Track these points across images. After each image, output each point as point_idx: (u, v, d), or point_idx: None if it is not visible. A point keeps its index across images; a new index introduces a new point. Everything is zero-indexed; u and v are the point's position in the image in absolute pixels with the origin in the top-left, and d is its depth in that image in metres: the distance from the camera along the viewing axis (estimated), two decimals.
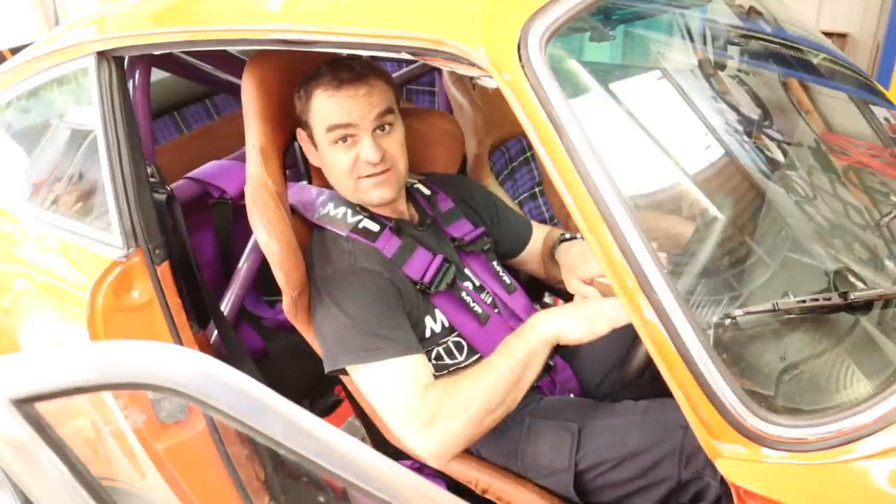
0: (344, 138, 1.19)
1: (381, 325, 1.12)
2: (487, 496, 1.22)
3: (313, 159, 1.28)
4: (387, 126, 1.20)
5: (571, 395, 1.36)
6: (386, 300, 1.15)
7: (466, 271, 1.32)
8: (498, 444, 1.24)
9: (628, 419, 1.15)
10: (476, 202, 1.44)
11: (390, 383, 1.10)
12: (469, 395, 1.06)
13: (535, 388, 1.31)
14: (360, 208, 1.26)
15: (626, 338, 1.35)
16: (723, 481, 1.00)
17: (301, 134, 1.27)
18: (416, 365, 1.12)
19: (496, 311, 1.31)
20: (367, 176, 1.21)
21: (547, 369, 1.35)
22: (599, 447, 1.13)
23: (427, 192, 1.38)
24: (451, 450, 1.08)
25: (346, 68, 1.18)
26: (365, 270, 1.17)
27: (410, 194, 1.36)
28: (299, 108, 1.23)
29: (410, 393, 1.08)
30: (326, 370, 1.16)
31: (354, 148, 1.19)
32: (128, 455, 1.39)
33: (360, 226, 1.23)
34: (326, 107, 1.18)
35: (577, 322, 1.08)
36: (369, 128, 1.18)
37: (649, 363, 0.98)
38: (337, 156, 1.20)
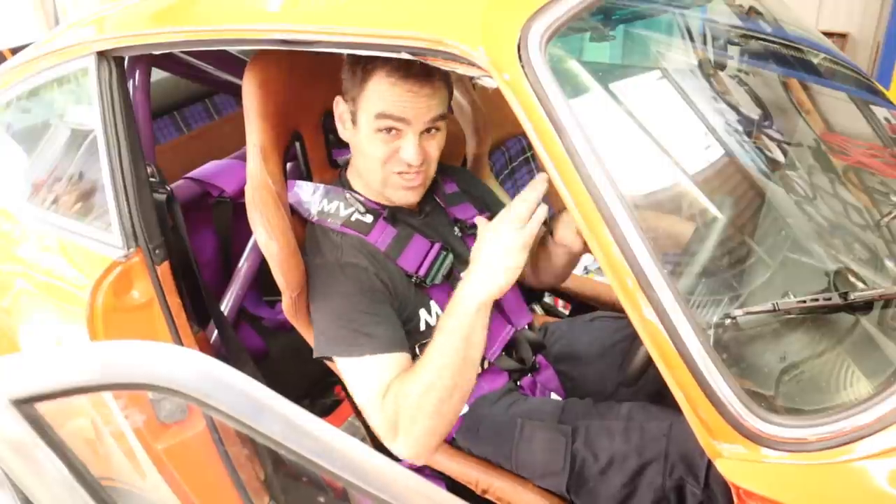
0: (389, 129, 1.13)
1: (363, 322, 1.11)
2: (487, 496, 1.22)
3: (345, 134, 1.23)
4: (434, 129, 1.16)
5: (553, 395, 1.35)
6: (369, 296, 1.14)
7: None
8: (490, 445, 1.24)
9: (612, 424, 1.14)
10: (477, 193, 1.44)
11: (363, 381, 1.09)
12: (419, 392, 1.02)
13: (516, 388, 1.31)
14: (353, 200, 1.24)
15: (616, 340, 1.36)
16: (705, 489, 1.01)
17: (340, 103, 1.20)
18: (390, 365, 1.09)
19: None
20: (400, 173, 1.17)
21: (531, 368, 1.34)
22: (587, 451, 1.13)
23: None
24: (424, 448, 1.06)
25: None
26: (350, 265, 1.16)
27: None
28: (349, 82, 1.15)
29: (374, 398, 1.07)
30: (314, 355, 1.16)
31: (396, 141, 1.13)
32: (128, 455, 1.39)
33: (353, 219, 1.22)
34: (383, 92, 1.10)
35: (498, 273, 1.01)
36: (419, 128, 1.13)
37: (649, 363, 0.98)
38: (376, 143, 1.14)
